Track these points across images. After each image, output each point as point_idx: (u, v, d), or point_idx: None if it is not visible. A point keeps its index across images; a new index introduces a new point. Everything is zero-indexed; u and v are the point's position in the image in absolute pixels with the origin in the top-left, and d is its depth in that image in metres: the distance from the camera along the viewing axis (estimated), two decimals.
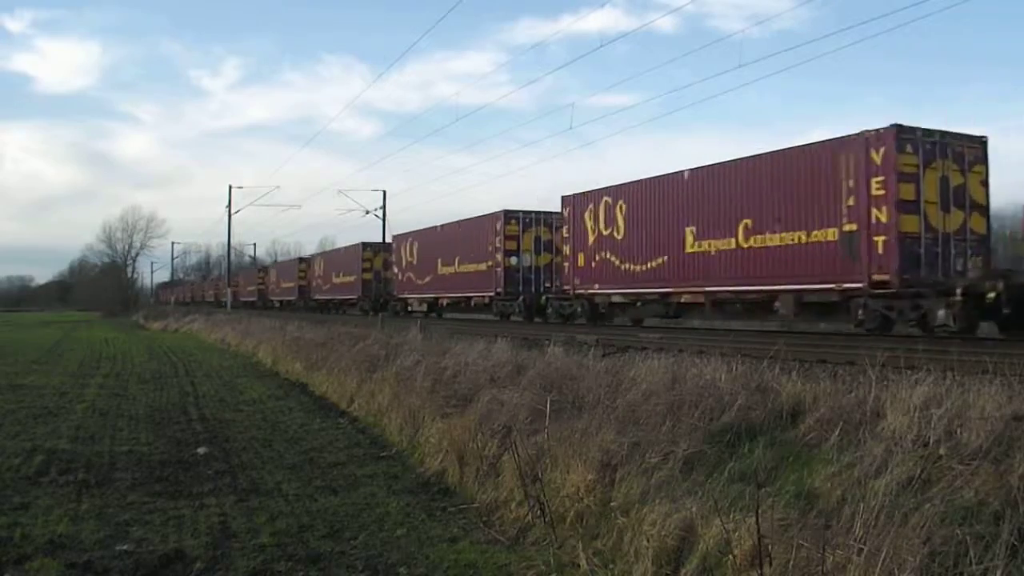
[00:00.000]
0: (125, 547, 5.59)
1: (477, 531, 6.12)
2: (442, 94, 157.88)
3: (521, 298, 27.69)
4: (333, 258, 50.48)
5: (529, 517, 6.00)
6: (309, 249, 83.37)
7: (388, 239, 45.37)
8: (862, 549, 3.83)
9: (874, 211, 15.29)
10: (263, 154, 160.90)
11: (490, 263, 29.07)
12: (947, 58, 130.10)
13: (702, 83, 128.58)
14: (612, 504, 5.44)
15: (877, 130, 15.39)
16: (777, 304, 17.40)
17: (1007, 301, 13.50)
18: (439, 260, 33.33)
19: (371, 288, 42.36)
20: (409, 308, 36.91)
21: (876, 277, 15.24)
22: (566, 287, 24.63)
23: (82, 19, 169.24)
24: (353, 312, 43.59)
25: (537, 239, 28.71)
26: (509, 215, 28.53)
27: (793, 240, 16.97)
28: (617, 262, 22.28)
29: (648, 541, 4.80)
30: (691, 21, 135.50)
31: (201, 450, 9.12)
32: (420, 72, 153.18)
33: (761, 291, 17.74)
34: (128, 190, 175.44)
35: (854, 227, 15.66)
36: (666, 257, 20.38)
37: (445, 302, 33.67)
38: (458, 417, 8.27)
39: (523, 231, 28.54)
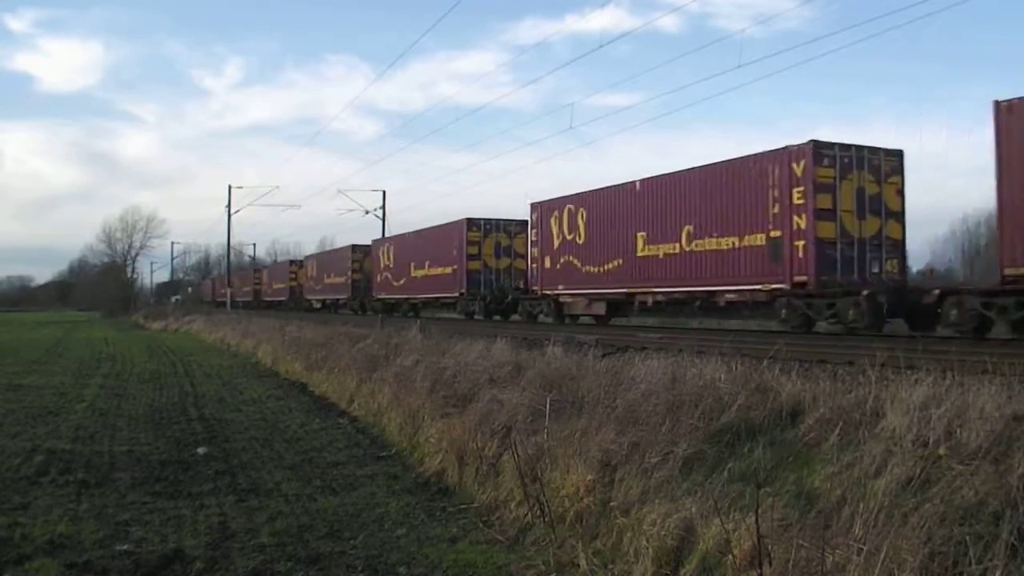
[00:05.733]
0: (125, 547, 5.60)
1: (477, 531, 6.12)
2: (444, 94, 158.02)
3: (867, 294, 15.17)
4: (413, 243, 36.69)
5: (529, 517, 6.00)
6: (309, 249, 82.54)
7: (389, 239, 43.79)
8: (862, 549, 3.83)
9: None
10: (264, 154, 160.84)
11: (776, 232, 16.82)
12: (947, 58, 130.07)
13: (704, 82, 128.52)
14: (612, 504, 5.44)
15: None
16: None
17: None
18: (640, 236, 20.58)
19: (479, 281, 30.55)
20: (567, 311, 24.42)
21: None
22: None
23: (84, 19, 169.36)
24: (450, 315, 32.46)
25: (860, 192, 16.67)
26: (820, 151, 16.39)
27: None
28: None
29: (648, 541, 4.80)
30: (694, 21, 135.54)
31: (201, 450, 9.13)
32: (423, 72, 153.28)
33: None
34: (128, 190, 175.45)
35: None
36: None
37: (655, 298, 20.50)
38: (458, 417, 8.27)
39: (840, 177, 16.40)
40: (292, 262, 61.69)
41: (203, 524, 6.18)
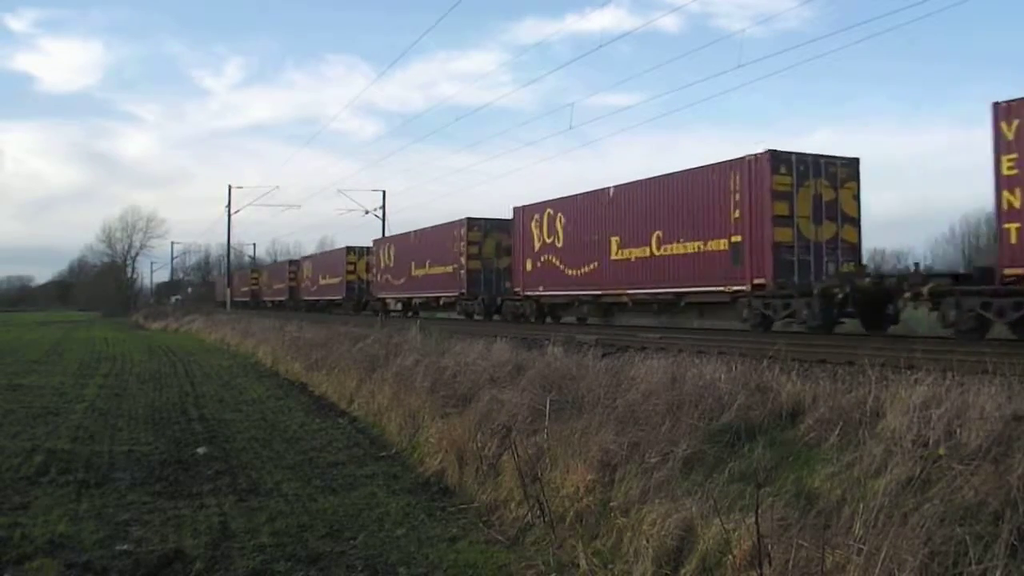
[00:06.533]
0: (125, 547, 5.60)
1: (477, 531, 6.12)
2: (444, 94, 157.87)
3: None
4: (612, 206, 22.01)
5: (529, 517, 6.00)
6: (309, 248, 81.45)
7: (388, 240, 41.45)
8: (862, 549, 3.83)
9: None
10: (265, 154, 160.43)
11: None
12: (947, 58, 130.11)
13: (704, 82, 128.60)
14: (612, 504, 5.44)
15: None
16: None
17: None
18: None
19: (791, 264, 17.40)
20: None
21: None
22: None
23: (85, 19, 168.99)
24: (715, 322, 19.40)
25: None
26: None
27: None
28: None
29: (648, 541, 4.80)
30: (694, 21, 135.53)
31: (201, 450, 9.13)
32: (423, 72, 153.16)
33: None
34: (128, 190, 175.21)
35: None
36: None
37: None
38: (458, 417, 8.28)
39: None
40: (351, 250, 45.89)
41: (203, 524, 6.18)
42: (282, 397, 14.11)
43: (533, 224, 25.69)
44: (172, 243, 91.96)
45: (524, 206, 26.58)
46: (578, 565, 5.08)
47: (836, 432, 5.40)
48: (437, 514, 6.64)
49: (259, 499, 6.99)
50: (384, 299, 38.62)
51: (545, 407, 7.08)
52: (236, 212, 57.71)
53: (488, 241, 30.07)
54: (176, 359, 22.97)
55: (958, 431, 4.80)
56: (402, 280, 36.23)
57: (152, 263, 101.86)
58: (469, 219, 30.36)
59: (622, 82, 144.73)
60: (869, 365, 6.65)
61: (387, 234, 47.43)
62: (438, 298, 32.64)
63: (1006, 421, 4.77)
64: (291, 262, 61.32)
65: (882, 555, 3.72)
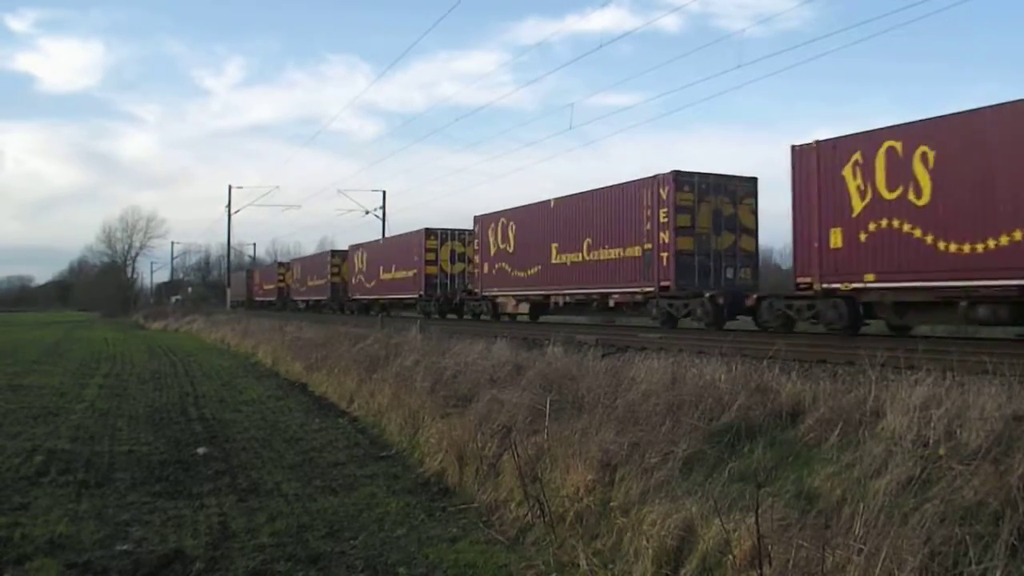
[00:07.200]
0: (125, 547, 5.60)
1: (477, 531, 6.12)
2: (445, 94, 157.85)
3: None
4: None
5: (529, 517, 6.00)
6: (309, 249, 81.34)
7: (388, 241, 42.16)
8: (862, 549, 3.83)
9: None
10: (264, 154, 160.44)
11: None
12: (948, 58, 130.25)
13: (704, 82, 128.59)
14: (612, 504, 5.45)
15: None
16: None
17: None
18: None
19: None
20: None
21: None
22: None
23: (85, 19, 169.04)
24: None
25: None
26: None
27: None
28: None
29: (648, 541, 4.80)
30: (695, 21, 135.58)
31: (201, 450, 9.13)
32: (423, 72, 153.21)
33: None
34: (128, 190, 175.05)
35: None
36: None
37: None
38: (458, 417, 8.28)
39: None
40: (431, 233, 33.48)
41: (203, 524, 6.18)
42: (282, 397, 14.11)
43: (848, 170, 14.76)
44: (172, 243, 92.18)
45: (816, 142, 15.49)
46: (578, 565, 5.08)
47: (836, 432, 5.40)
48: (437, 514, 6.64)
49: (259, 499, 6.99)
50: (494, 298, 27.51)
51: (545, 407, 7.08)
52: (236, 212, 57.84)
53: (702, 209, 19.65)
54: (176, 359, 22.97)
55: (958, 431, 4.80)
56: (532, 270, 25.02)
57: (152, 263, 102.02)
58: (677, 173, 19.50)
59: (622, 82, 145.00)
60: (869, 365, 6.64)
61: (387, 233, 47.00)
62: (605, 295, 21.86)
63: (1006, 421, 4.77)
64: (334, 253, 48.13)
65: (882, 555, 3.73)
